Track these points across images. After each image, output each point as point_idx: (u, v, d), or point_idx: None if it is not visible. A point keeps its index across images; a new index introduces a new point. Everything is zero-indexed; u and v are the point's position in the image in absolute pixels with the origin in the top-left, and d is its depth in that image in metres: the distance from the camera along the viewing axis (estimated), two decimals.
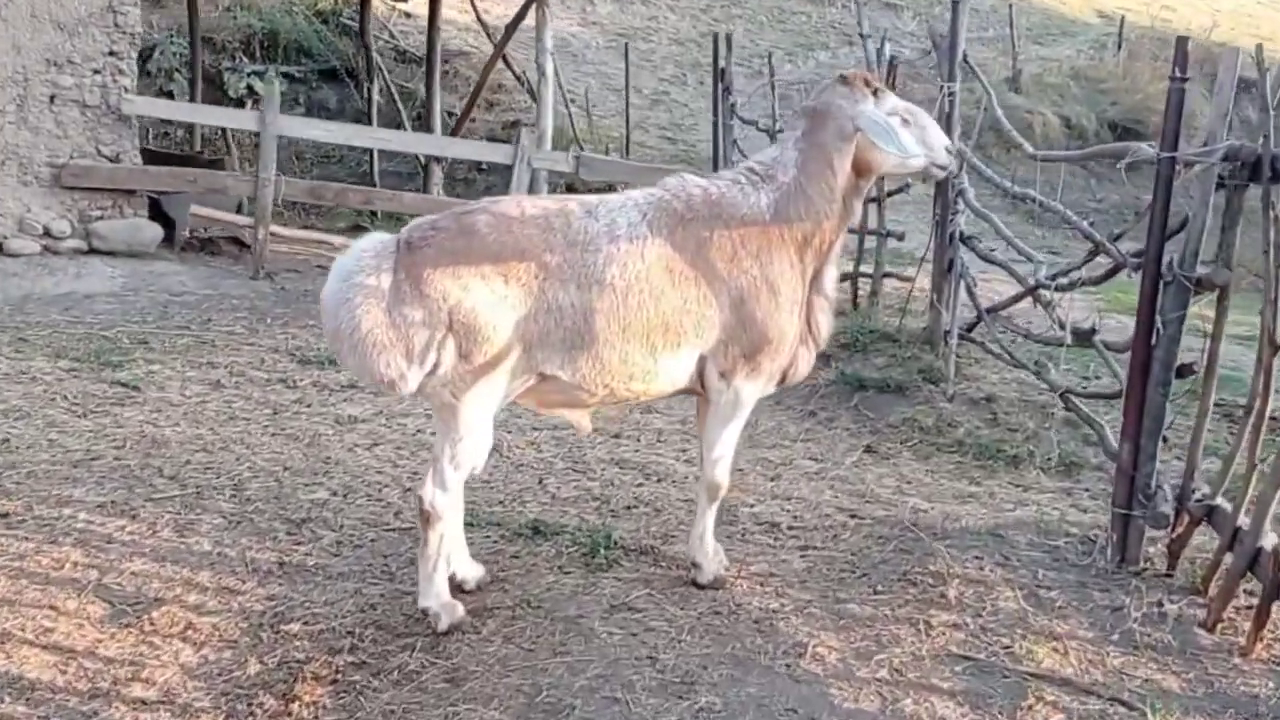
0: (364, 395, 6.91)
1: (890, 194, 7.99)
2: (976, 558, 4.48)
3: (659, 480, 5.68)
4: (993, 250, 7.02)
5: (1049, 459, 5.95)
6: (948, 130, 6.94)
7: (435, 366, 3.70)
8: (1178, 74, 4.13)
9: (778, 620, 3.96)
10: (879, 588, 4.24)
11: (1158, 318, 4.24)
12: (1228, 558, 4.03)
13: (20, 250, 9.03)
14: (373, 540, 4.74)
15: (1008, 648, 3.80)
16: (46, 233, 9.20)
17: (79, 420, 6.05)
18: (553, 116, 10.83)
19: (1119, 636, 3.89)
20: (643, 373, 3.88)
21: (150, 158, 11.59)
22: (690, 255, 3.86)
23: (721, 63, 10.89)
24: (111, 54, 9.20)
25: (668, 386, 4.01)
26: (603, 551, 4.52)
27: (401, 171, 15.73)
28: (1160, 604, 4.07)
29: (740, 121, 10.56)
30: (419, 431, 6.30)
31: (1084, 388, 6.01)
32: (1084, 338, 5.24)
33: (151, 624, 3.95)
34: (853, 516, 5.15)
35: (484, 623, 3.99)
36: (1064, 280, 5.41)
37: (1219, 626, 3.92)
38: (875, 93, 4.04)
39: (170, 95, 16.15)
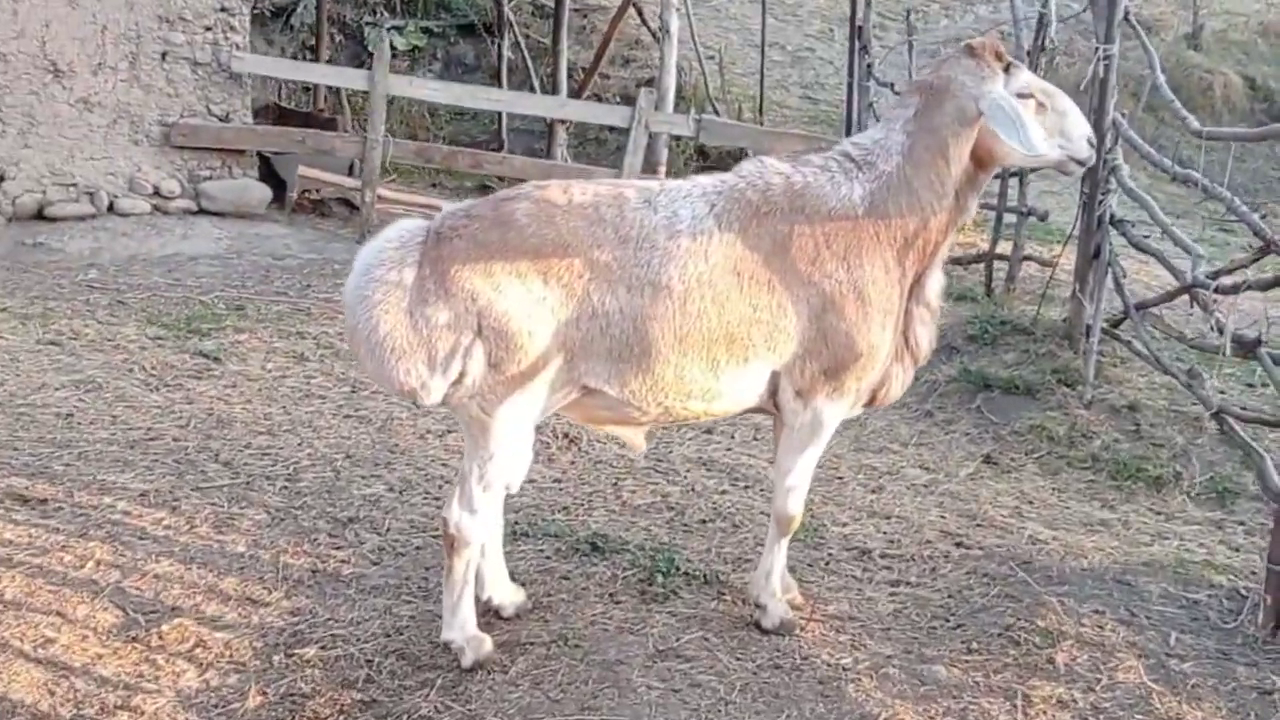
0: None
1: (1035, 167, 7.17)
2: (1097, 611, 3.82)
3: (746, 487, 5.15)
4: (1147, 236, 6.19)
5: (1197, 483, 5.19)
6: (1103, 100, 6.16)
7: (461, 376, 3.24)
8: None
9: (847, 682, 3.41)
10: (974, 645, 3.63)
11: None
12: None
13: (130, 210, 8.98)
14: (418, 548, 4.35)
15: None
16: (156, 192, 9.13)
17: (149, 395, 5.85)
18: (679, 75, 10.24)
19: None
20: (702, 391, 3.34)
21: (279, 115, 11.50)
22: (764, 255, 3.30)
23: (859, 19, 10.12)
24: (223, 10, 9.02)
25: (733, 406, 3.47)
26: (661, 579, 4.02)
27: (533, 130, 15.34)
28: None
29: (876, 83, 9.79)
30: None
31: (1243, 407, 5.18)
32: (1248, 348, 4.45)
33: (160, 639, 3.64)
34: (958, 545, 4.52)
35: (513, 660, 3.55)
36: (1226, 280, 4.62)
37: None
38: (1007, 68, 3.38)
39: (313, 51, 16.10)
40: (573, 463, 5.40)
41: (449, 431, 5.66)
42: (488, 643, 3.54)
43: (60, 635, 3.61)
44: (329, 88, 12.70)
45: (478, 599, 3.74)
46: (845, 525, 4.73)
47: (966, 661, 3.54)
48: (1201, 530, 4.83)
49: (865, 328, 3.34)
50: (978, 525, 4.78)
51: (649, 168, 9.64)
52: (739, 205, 3.34)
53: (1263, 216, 4.36)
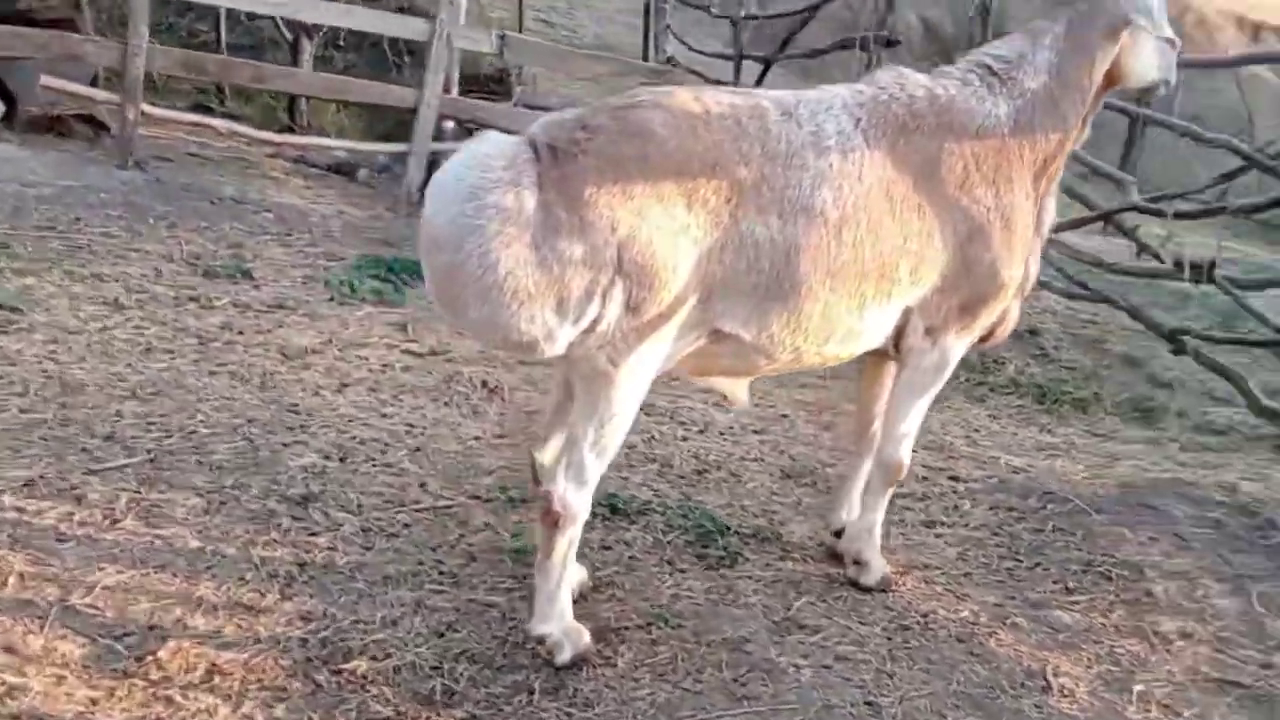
0: (299, 317, 5.70)
1: None
2: (1151, 538, 3.82)
3: (701, 431, 4.80)
4: None
5: (1120, 402, 5.38)
6: (984, 33, 6.20)
7: (595, 322, 2.68)
8: None
9: (983, 635, 3.19)
10: (1069, 584, 3.52)
11: None
12: None
13: None
14: (407, 526, 3.69)
15: (1266, 667, 3.14)
16: None
17: None
18: None
19: None
20: (845, 331, 2.96)
21: None
22: (913, 177, 2.94)
23: None
24: None
25: (862, 349, 3.11)
26: (720, 540, 3.62)
27: (250, 44, 13.79)
28: None
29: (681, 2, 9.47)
30: (387, 367, 5.17)
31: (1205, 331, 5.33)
32: (1203, 273, 4.58)
33: (160, 668, 2.84)
34: (952, 479, 4.42)
35: (614, 650, 3.05)
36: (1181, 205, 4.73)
37: None
38: None
39: None
40: (502, 414, 4.83)
41: (344, 385, 4.89)
42: (586, 634, 3.02)
43: (29, 680, 2.72)
44: None
45: None
46: (833, 465, 4.50)
47: (1074, 602, 3.42)
48: (1146, 450, 5.00)
49: (1008, 257, 3.08)
50: (950, 458, 4.71)
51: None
52: (885, 120, 2.96)
53: None
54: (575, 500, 2.87)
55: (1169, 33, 3.13)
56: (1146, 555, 3.68)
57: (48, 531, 3.37)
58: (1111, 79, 3.19)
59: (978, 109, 3.02)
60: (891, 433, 3.31)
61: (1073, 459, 4.79)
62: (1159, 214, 4.85)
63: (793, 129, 2.84)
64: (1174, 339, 4.86)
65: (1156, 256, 4.90)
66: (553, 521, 2.89)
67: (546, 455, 3.16)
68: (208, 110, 11.15)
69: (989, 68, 3.09)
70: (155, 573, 3.25)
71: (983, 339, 3.33)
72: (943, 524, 3.98)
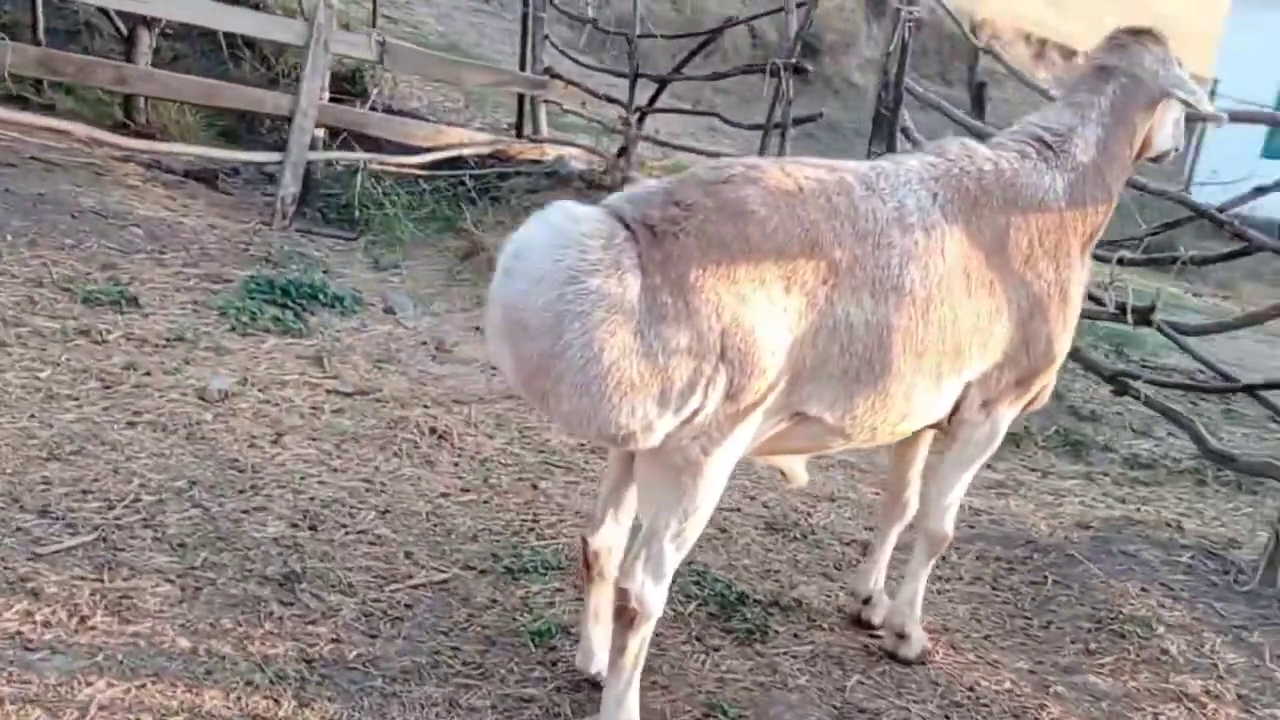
0: (203, 352, 5.23)
1: (799, 121, 7.07)
2: (1143, 589, 3.91)
3: None
4: None
5: (1049, 435, 5.53)
6: (901, 66, 6.24)
7: (695, 412, 2.50)
8: None
9: (1034, 709, 3.17)
10: (1090, 645, 3.56)
11: None
12: None
13: None
14: (408, 607, 3.41)
15: None
16: None
17: None
18: None
19: None
20: (921, 409, 2.88)
21: None
22: (985, 253, 2.88)
23: None
24: None
25: (923, 424, 3.03)
26: (744, 612, 3.49)
27: (67, 29, 12.67)
28: None
29: (559, 11, 9.18)
30: (317, 410, 4.81)
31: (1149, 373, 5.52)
32: (1142, 317, 4.74)
33: None
34: None
35: None
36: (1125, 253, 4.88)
37: None
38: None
39: None
40: (456, 463, 4.56)
41: (280, 435, 4.52)
42: None
43: None
44: None
45: (582, 673, 3.04)
46: (809, 514, 4.44)
47: (1102, 665, 3.45)
48: (1083, 485, 5.15)
49: (1063, 331, 3.07)
50: None
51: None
52: (959, 194, 2.89)
53: None
54: (652, 597, 2.70)
55: (1209, 107, 3.19)
56: (1149, 609, 3.76)
57: (12, 639, 2.95)
58: (1141, 150, 3.23)
59: (1038, 183, 3.00)
60: (937, 504, 3.26)
61: (1022, 497, 4.89)
62: (1099, 259, 4.99)
63: (878, 205, 2.74)
64: (1115, 380, 5.02)
65: (1094, 299, 5.05)
66: (629, 620, 2.70)
67: (600, 540, 2.97)
68: (22, 102, 10.20)
69: (1042, 140, 3.06)
70: (150, 683, 2.88)
71: (1026, 405, 3.32)
72: (938, 578, 3.97)
